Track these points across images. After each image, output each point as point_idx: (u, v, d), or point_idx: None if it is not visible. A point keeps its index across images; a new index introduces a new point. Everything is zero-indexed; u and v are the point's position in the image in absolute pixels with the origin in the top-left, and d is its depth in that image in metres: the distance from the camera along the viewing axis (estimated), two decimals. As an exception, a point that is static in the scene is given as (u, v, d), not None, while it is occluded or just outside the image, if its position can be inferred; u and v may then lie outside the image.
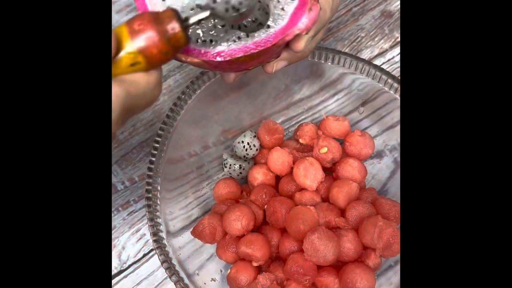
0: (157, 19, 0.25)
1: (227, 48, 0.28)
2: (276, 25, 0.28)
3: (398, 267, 0.41)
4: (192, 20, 0.26)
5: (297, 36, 0.30)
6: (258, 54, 0.28)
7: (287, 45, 0.31)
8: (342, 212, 0.41)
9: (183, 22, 0.25)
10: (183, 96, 0.43)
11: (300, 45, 0.31)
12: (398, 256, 0.41)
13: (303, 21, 0.29)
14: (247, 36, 0.28)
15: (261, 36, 0.28)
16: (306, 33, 0.29)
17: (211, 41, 0.28)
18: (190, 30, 0.28)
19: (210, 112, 0.47)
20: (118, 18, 0.56)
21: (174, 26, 0.25)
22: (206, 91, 0.44)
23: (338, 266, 0.40)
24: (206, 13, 0.26)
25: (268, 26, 0.28)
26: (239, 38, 0.28)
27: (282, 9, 0.29)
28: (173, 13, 0.25)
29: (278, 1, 0.29)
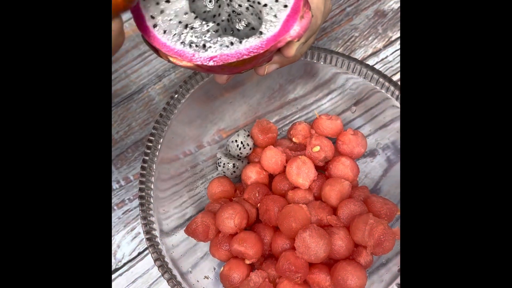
0: None
1: (219, 53, 0.28)
2: (268, 32, 0.29)
3: (390, 265, 0.42)
4: None
5: (289, 43, 0.30)
6: (250, 59, 0.29)
7: (279, 49, 0.31)
8: (334, 210, 0.42)
9: None
10: (176, 96, 0.43)
11: (291, 51, 0.31)
12: (389, 254, 0.41)
13: (295, 29, 0.29)
14: (240, 42, 0.29)
15: (253, 42, 0.29)
16: (298, 40, 0.30)
17: (204, 45, 0.29)
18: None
19: (204, 112, 0.47)
20: None
21: None
22: (200, 90, 0.44)
23: (330, 264, 0.40)
24: None
25: (261, 33, 0.29)
26: (231, 43, 0.28)
27: (275, 16, 0.29)
28: None
29: (271, 8, 0.29)
